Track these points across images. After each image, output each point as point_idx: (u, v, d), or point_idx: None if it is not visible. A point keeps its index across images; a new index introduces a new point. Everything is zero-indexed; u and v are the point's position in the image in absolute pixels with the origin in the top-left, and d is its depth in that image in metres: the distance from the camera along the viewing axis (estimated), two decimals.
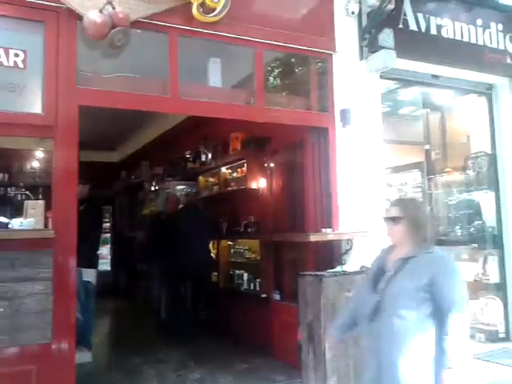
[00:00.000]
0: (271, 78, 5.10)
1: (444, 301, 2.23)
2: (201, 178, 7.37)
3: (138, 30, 3.85)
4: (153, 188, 8.63)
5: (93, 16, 3.47)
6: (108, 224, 11.27)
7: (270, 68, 5.09)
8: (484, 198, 6.01)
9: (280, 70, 5.17)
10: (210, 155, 6.76)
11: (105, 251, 11.36)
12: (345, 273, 3.97)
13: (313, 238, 4.15)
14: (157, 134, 8.56)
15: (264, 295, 5.19)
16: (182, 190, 7.45)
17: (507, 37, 5.71)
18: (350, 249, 4.41)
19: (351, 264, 4.36)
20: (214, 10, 4.00)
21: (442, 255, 2.37)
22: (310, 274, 3.93)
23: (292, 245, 4.73)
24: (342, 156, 4.59)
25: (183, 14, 3.93)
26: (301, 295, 3.98)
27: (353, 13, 4.72)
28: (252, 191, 5.71)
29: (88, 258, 4.80)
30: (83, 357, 4.70)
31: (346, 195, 4.56)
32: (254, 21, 4.28)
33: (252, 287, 5.55)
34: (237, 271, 6.04)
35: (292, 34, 4.45)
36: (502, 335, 5.50)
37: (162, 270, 6.43)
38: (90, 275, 5.03)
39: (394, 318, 2.25)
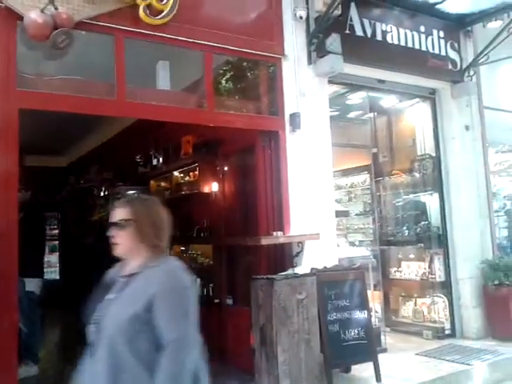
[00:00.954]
0: (222, 82, 5.08)
1: (161, 335, 1.69)
2: (152, 182, 7.24)
3: (83, 32, 3.74)
4: (102, 193, 8.41)
5: (34, 16, 3.34)
6: (56, 231, 10.87)
7: (221, 71, 5.07)
8: (429, 199, 6.23)
9: (231, 73, 5.16)
10: (161, 159, 6.65)
11: (53, 259, 10.96)
12: (296, 275, 4.00)
13: (264, 241, 4.15)
14: (106, 137, 8.35)
15: (217, 300, 5.15)
16: (133, 194, 7.28)
17: (448, 44, 5.95)
18: (301, 251, 4.45)
19: (302, 266, 4.40)
20: (161, 12, 3.95)
21: (168, 269, 1.82)
22: (262, 278, 3.93)
23: (244, 249, 4.72)
24: (292, 160, 4.63)
25: (130, 16, 3.86)
26: (253, 299, 3.97)
27: (301, 18, 4.78)
28: (204, 195, 5.66)
29: (32, 267, 4.60)
30: (29, 370, 4.50)
31: (297, 198, 4.60)
32: (202, 24, 4.26)
33: (205, 292, 5.48)
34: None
35: (241, 37, 4.46)
36: (448, 332, 5.71)
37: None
38: (33, 285, 4.81)
39: (105, 360, 1.69)
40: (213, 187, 5.51)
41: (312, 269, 4.16)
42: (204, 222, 5.74)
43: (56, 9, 3.43)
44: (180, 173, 6.51)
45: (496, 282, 5.49)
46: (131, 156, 7.55)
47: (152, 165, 6.86)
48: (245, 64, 5.11)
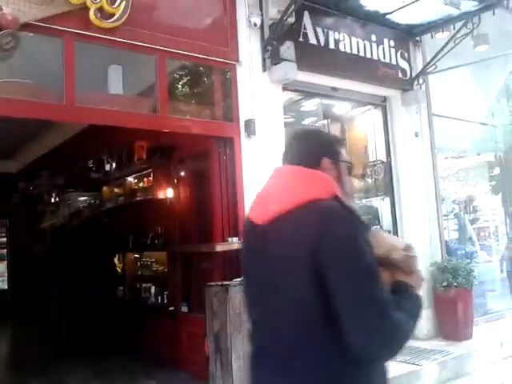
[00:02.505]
0: (177, 87, 5.05)
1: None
2: (105, 188, 7.09)
3: (31, 34, 3.63)
4: (53, 199, 8.15)
5: None
6: (4, 239, 10.49)
7: (175, 76, 5.04)
8: (381, 204, 6.39)
9: (186, 79, 5.13)
10: (114, 164, 6.52)
11: (1, 268, 10.55)
12: None
13: (219, 248, 4.14)
14: (57, 142, 8.11)
15: (172, 308, 5.09)
16: (85, 201, 7.11)
17: (398, 53, 6.13)
18: None
19: None
20: (112, 15, 3.89)
21: None
22: (217, 284, 3.91)
23: (199, 255, 4.69)
24: (247, 166, 4.64)
25: (80, 19, 3.77)
26: (208, 306, 3.95)
27: (255, 25, 4.81)
28: (159, 201, 5.59)
29: None
30: None
31: None
32: (156, 28, 4.22)
33: (160, 300, 5.41)
34: (144, 284, 5.87)
35: (195, 43, 4.44)
36: None
37: (63, 287, 6.07)
38: None
39: None
40: (167, 193, 5.45)
41: None
42: (158, 228, 5.67)
43: (0, 9, 3.30)
44: (134, 178, 6.41)
45: (445, 284, 5.67)
46: (83, 161, 7.37)
47: (105, 170, 6.73)
48: (200, 69, 5.10)
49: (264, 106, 4.82)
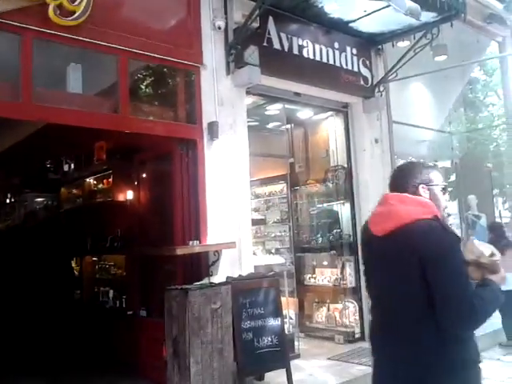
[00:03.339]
0: (139, 88, 4.98)
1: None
2: (63, 189, 6.90)
3: None
4: (8, 200, 7.87)
5: None
6: None
7: (138, 77, 4.97)
8: (342, 208, 6.50)
9: (149, 80, 5.07)
10: (72, 165, 6.36)
11: None
12: (211, 285, 3.99)
13: (179, 251, 4.10)
14: (13, 141, 7.82)
15: (130, 312, 5.00)
16: (42, 202, 6.91)
17: (360, 60, 6.26)
18: (218, 260, 4.44)
19: (219, 275, 4.41)
20: (73, 13, 3.80)
21: None
22: (176, 288, 3.87)
23: (160, 259, 4.63)
24: (210, 168, 4.63)
25: (39, 16, 3.68)
26: (167, 310, 3.90)
27: (219, 28, 4.81)
28: (119, 203, 5.50)
29: None
30: None
31: (215, 207, 4.60)
32: (118, 28, 4.15)
33: (118, 304, 5.31)
34: (102, 288, 5.75)
35: (158, 44, 4.40)
36: (358, 335, 5.96)
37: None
38: None
39: None
40: (128, 195, 5.36)
41: (227, 277, 4.17)
42: (118, 231, 5.57)
43: None
44: (93, 180, 6.27)
45: None
46: (41, 161, 7.16)
47: (63, 171, 6.55)
48: (163, 71, 5.05)
49: (228, 109, 4.83)
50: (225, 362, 3.87)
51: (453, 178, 9.08)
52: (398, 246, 1.89)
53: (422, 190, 2.02)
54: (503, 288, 5.75)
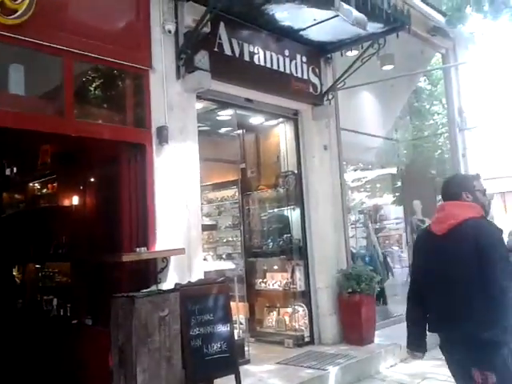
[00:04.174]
0: (86, 90, 4.85)
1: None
2: (5, 194, 6.61)
3: None
4: None
5: None
6: None
7: (85, 79, 4.83)
8: (292, 213, 6.58)
9: (97, 82, 4.95)
10: (15, 169, 6.10)
11: None
12: (159, 292, 3.93)
13: (126, 258, 4.02)
14: None
15: (75, 321, 4.84)
16: None
17: (310, 68, 6.37)
18: (166, 267, 4.38)
19: (167, 282, 4.35)
20: (15, 11, 3.67)
21: None
22: (122, 296, 3.78)
23: (106, 266, 4.51)
24: (159, 173, 4.56)
25: None
26: (113, 318, 3.81)
27: (169, 32, 4.77)
28: (64, 209, 5.31)
29: None
30: None
31: (164, 213, 4.54)
32: (64, 28, 4.05)
33: (62, 313, 5.13)
34: (45, 297, 5.52)
35: (106, 46, 4.31)
36: (307, 339, 6.04)
37: None
38: None
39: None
40: (73, 200, 5.20)
41: (176, 284, 4.12)
42: (63, 237, 5.38)
43: None
44: (37, 184, 6.04)
45: (349, 290, 5.95)
46: None
47: (4, 175, 6.26)
48: (111, 73, 4.93)
49: (178, 114, 4.78)
50: (173, 370, 3.81)
51: (399, 183, 9.38)
52: (457, 238, 2.55)
53: (465, 195, 2.71)
54: None
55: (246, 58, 5.50)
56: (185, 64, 4.88)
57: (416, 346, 2.86)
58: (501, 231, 2.56)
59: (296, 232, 6.46)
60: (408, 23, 5.67)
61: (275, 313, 6.43)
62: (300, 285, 6.22)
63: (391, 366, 5.65)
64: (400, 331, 6.55)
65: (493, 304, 2.42)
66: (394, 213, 9.36)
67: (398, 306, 7.64)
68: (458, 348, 2.58)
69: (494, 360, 2.44)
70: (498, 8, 7.39)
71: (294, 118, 6.52)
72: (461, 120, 9.48)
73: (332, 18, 5.30)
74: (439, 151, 10.96)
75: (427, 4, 8.04)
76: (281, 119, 6.70)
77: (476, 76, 11.63)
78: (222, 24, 5.22)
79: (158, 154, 4.58)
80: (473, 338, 2.47)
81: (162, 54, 4.75)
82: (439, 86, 10.84)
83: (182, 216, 4.68)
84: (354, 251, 7.72)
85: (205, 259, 5.73)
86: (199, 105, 5.31)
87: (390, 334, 6.45)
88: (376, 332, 6.18)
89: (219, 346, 4.16)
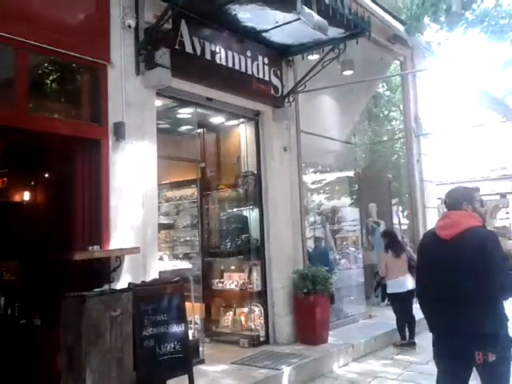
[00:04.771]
0: (41, 84, 4.69)
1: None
2: None
3: None
4: None
5: None
6: None
7: (40, 72, 4.68)
8: (251, 214, 6.59)
9: (54, 75, 4.79)
10: None
11: None
12: (111, 291, 3.85)
13: (78, 256, 3.92)
14: None
15: (23, 321, 4.68)
16: None
17: (272, 70, 6.41)
18: (120, 266, 4.30)
19: (120, 282, 4.27)
20: None
21: None
22: (73, 295, 3.68)
23: (57, 265, 4.38)
24: (115, 170, 4.47)
25: None
26: (63, 318, 3.70)
27: (129, 26, 4.69)
28: (14, 205, 5.13)
29: None
30: None
31: (120, 211, 4.45)
32: (18, 18, 3.91)
33: (10, 312, 4.95)
34: None
35: (63, 38, 4.19)
36: (262, 339, 6.07)
37: None
38: None
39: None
40: (24, 196, 5.03)
41: (129, 284, 4.05)
42: (12, 234, 5.19)
43: None
44: None
45: (305, 291, 6.01)
46: None
47: None
48: (68, 67, 4.80)
49: (136, 110, 4.71)
50: (124, 371, 3.74)
51: (356, 186, 9.56)
52: (463, 244, 2.91)
53: (465, 205, 3.08)
54: (395, 291, 6.25)
55: (208, 56, 5.48)
56: (145, 60, 4.81)
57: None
58: (498, 236, 3.07)
59: (254, 232, 6.48)
60: (368, 30, 5.79)
61: (231, 313, 6.43)
62: (257, 285, 6.24)
63: (344, 365, 5.76)
64: (353, 331, 6.79)
65: (492, 299, 2.85)
66: (351, 215, 9.53)
67: (353, 306, 7.82)
68: (462, 338, 2.90)
69: (495, 345, 2.84)
70: (453, 20, 7.67)
71: (254, 118, 6.54)
72: (416, 126, 9.78)
73: (294, 21, 5.35)
74: (396, 156, 11.24)
75: (387, 12, 8.24)
76: (241, 119, 6.70)
77: (432, 85, 12.04)
78: (183, 21, 5.18)
79: (115, 151, 4.49)
80: (477, 330, 2.85)
81: (122, 49, 4.67)
82: (397, 93, 11.11)
83: (138, 214, 4.61)
84: (314, 252, 7.82)
85: (161, 259, 5.68)
86: (159, 102, 5.26)
87: (344, 333, 6.59)
88: (330, 332, 6.28)
89: (173, 346, 4.12)
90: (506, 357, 2.87)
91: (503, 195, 21.38)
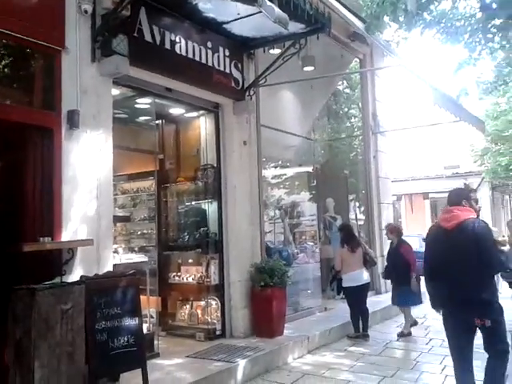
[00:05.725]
0: None
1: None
2: None
3: None
4: None
5: None
6: None
7: None
8: (210, 207, 6.55)
9: (5, 60, 4.58)
10: None
11: None
12: (62, 284, 3.75)
13: (27, 248, 3.78)
14: None
15: None
16: None
17: (233, 63, 6.37)
18: (72, 258, 4.18)
19: (72, 274, 4.16)
20: None
21: None
22: (22, 288, 3.56)
23: (6, 257, 4.20)
24: (69, 160, 4.34)
25: None
26: (11, 311, 3.59)
27: (86, 12, 4.54)
28: None
29: None
30: None
31: (73, 202, 4.33)
32: None
33: None
34: None
35: (15, 21, 4.02)
36: (218, 332, 6.05)
37: None
38: None
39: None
40: None
41: (81, 277, 3.96)
42: None
43: None
44: None
45: (262, 284, 6.04)
46: None
47: None
48: (21, 51, 4.59)
49: (91, 98, 4.58)
50: (75, 366, 3.66)
51: (315, 182, 9.67)
52: (462, 232, 3.70)
53: (464, 202, 3.87)
54: (350, 284, 6.40)
55: (167, 46, 5.39)
56: (101, 47, 4.68)
57: (438, 305, 3.95)
58: (489, 226, 3.91)
59: (213, 226, 6.44)
60: (328, 26, 5.83)
61: (188, 306, 6.39)
62: (214, 278, 6.21)
63: (299, 357, 5.83)
64: (309, 324, 6.88)
65: (485, 274, 3.66)
66: (310, 210, 9.64)
67: (309, 299, 7.93)
68: (463, 308, 3.66)
69: (490, 312, 3.63)
70: (411, 20, 7.84)
71: (214, 111, 6.48)
72: (374, 124, 9.99)
73: (255, 13, 5.32)
74: (354, 153, 11.45)
75: (348, 9, 8.33)
76: (201, 111, 6.64)
77: (391, 83, 12.32)
78: (143, 9, 5.07)
79: (68, 140, 4.36)
80: (474, 298, 3.60)
81: (77, 35, 4.52)
82: (357, 91, 11.30)
83: (92, 206, 4.49)
84: (272, 246, 7.87)
85: (116, 252, 5.56)
86: (116, 91, 5.13)
87: (300, 326, 6.68)
88: (286, 325, 6.34)
89: (126, 339, 4.06)
90: (500, 320, 3.67)
91: None
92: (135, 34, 4.99)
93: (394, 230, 7.29)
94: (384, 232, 8.19)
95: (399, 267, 6.82)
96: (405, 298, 6.85)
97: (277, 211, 8.76)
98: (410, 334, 6.90)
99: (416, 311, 7.37)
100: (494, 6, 6.99)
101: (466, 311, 3.65)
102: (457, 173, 21.90)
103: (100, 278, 4.07)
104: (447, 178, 21.87)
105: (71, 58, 4.47)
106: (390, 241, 7.39)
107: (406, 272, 6.75)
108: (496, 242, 4.12)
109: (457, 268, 3.68)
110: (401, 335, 6.87)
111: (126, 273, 4.31)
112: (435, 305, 3.98)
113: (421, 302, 6.88)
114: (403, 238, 7.27)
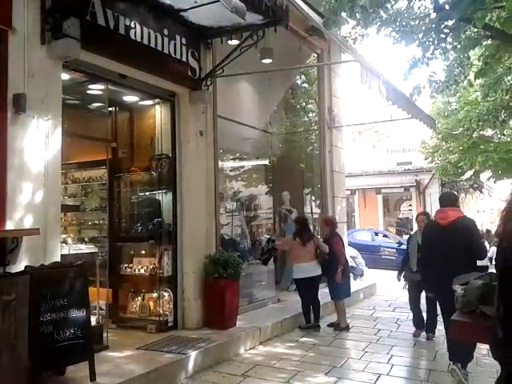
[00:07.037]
0: None
1: None
2: None
3: None
4: None
5: None
6: None
7: None
8: (164, 198, 6.44)
9: None
10: None
11: None
12: (5, 275, 3.60)
13: None
14: None
15: None
16: None
17: (189, 51, 6.27)
18: (17, 248, 4.02)
19: (17, 264, 4.00)
20: None
21: None
22: None
23: None
24: (14, 145, 4.14)
25: None
26: None
27: None
28: None
29: None
30: None
31: (19, 189, 4.15)
32: None
33: None
34: None
35: None
36: (170, 324, 5.99)
37: None
38: None
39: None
40: None
41: (26, 267, 3.82)
42: None
43: None
44: None
45: (216, 275, 6.02)
46: None
47: None
48: None
49: (39, 82, 4.39)
50: (17, 359, 3.53)
51: (271, 175, 9.73)
52: (457, 228, 4.72)
53: (454, 204, 4.98)
54: (301, 276, 6.48)
55: (122, 31, 5.23)
56: (51, 29, 4.49)
57: (432, 290, 5.19)
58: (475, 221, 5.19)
59: (167, 217, 6.34)
60: (286, 18, 5.83)
61: (140, 298, 6.28)
62: (167, 270, 6.13)
63: (250, 349, 5.86)
64: (262, 315, 6.93)
65: (472, 261, 4.59)
66: (267, 203, 9.70)
67: (263, 291, 7.98)
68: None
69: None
70: (368, 17, 7.98)
71: (170, 99, 6.37)
72: (330, 118, 10.12)
73: (213, 2, 5.25)
74: (310, 147, 11.56)
75: (306, 3, 8.37)
76: (157, 100, 6.50)
77: (347, 79, 12.50)
78: None
79: (14, 124, 4.17)
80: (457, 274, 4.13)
81: (26, 16, 4.31)
82: (315, 86, 11.39)
83: (39, 194, 4.32)
84: (227, 238, 7.85)
85: (65, 242, 5.41)
86: (66, 75, 4.94)
87: (253, 317, 6.70)
88: (239, 316, 6.35)
89: (73, 332, 3.96)
90: None
91: (407, 188, 22.90)
92: (88, 18, 4.80)
93: (330, 223, 7.39)
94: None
95: (331, 259, 6.87)
96: (338, 291, 6.96)
97: (234, 203, 8.75)
98: (347, 327, 6.93)
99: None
100: (447, 7, 7.22)
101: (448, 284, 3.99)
102: (409, 169, 22.56)
103: (46, 268, 3.94)
104: (399, 174, 22.52)
105: (19, 40, 4.26)
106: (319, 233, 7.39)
107: (335, 264, 6.83)
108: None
109: (449, 256, 4.60)
110: (337, 327, 6.88)
111: (74, 263, 4.18)
112: (430, 289, 5.22)
113: (349, 295, 7.04)
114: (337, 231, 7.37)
